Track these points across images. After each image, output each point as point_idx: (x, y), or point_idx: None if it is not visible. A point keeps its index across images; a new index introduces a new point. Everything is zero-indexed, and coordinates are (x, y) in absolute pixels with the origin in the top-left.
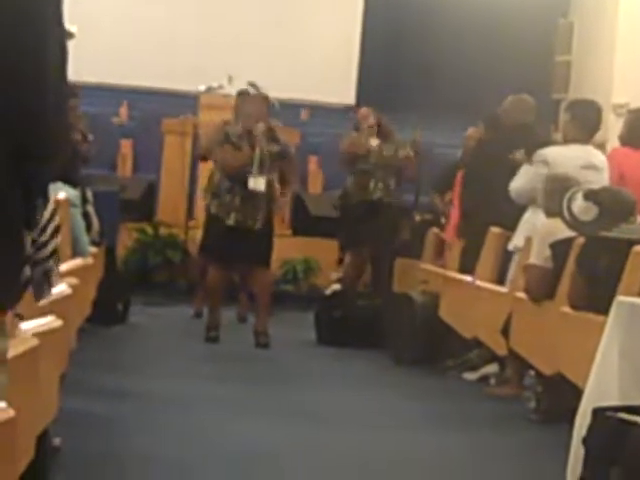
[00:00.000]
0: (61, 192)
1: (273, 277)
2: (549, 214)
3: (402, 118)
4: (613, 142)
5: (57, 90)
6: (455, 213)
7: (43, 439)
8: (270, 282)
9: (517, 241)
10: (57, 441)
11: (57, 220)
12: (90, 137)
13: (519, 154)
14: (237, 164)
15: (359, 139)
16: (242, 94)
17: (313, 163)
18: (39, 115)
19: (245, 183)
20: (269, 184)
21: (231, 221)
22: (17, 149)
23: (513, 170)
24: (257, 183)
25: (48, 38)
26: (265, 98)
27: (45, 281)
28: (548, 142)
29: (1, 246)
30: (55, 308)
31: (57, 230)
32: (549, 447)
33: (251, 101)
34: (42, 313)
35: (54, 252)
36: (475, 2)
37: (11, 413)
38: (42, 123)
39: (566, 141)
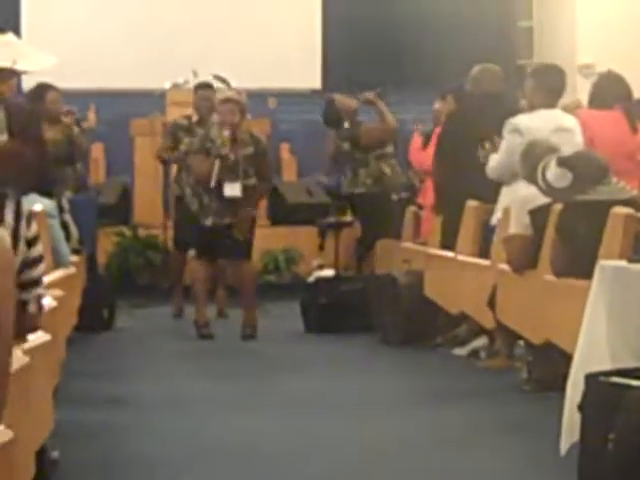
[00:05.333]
0: (37, 204)
1: (256, 268)
2: (530, 181)
3: None
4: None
5: None
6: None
7: (42, 454)
8: (253, 273)
9: (499, 214)
10: (55, 454)
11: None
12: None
13: (488, 145)
14: (207, 174)
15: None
16: (203, 87)
17: (285, 151)
18: None
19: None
20: (245, 188)
21: (209, 222)
22: None
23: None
24: (233, 189)
25: None
26: (237, 102)
27: (38, 309)
28: (517, 110)
29: None
30: (42, 322)
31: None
32: (543, 416)
33: (227, 107)
34: None
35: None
36: None
37: (10, 434)
38: None
39: (532, 107)
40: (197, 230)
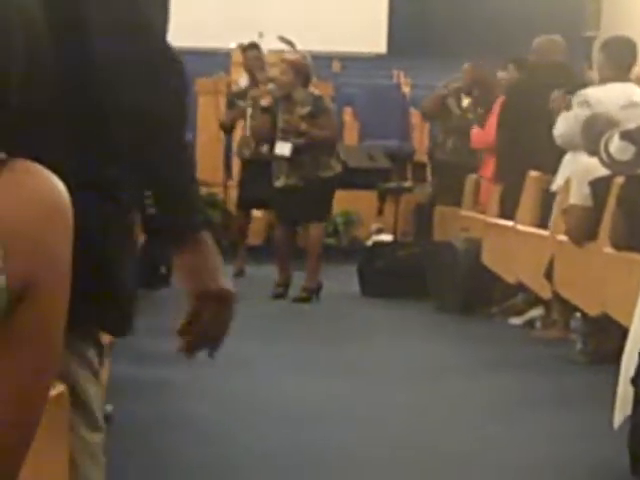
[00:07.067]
0: None
1: (323, 231)
2: (591, 153)
3: (435, 64)
4: None
5: None
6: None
7: None
8: (319, 236)
9: (560, 181)
10: (109, 408)
11: None
12: None
13: (557, 92)
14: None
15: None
16: (251, 48)
17: (348, 114)
18: None
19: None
20: (297, 148)
21: (279, 184)
22: None
23: (549, 113)
24: (282, 148)
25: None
26: (290, 62)
27: None
28: (585, 82)
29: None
30: None
31: None
32: (597, 388)
33: (280, 67)
34: None
35: None
36: None
37: (62, 386)
38: None
39: (603, 80)
40: (272, 192)
